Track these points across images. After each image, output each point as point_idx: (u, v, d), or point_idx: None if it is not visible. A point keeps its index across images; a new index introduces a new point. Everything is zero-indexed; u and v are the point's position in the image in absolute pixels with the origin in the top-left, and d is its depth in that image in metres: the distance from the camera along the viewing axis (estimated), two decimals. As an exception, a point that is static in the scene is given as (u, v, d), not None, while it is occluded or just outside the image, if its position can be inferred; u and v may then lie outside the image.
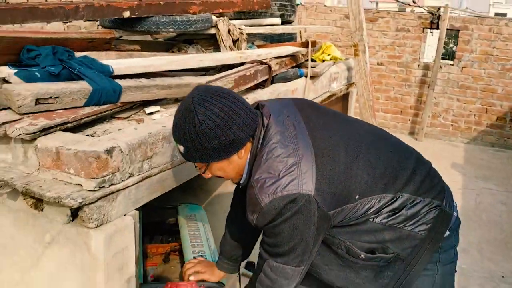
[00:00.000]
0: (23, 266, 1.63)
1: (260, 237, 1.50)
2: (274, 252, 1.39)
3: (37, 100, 1.55)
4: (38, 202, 1.50)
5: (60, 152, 1.42)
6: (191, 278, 1.83)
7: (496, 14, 27.56)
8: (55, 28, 2.88)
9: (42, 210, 1.51)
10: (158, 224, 2.50)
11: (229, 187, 3.08)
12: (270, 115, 1.42)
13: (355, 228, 1.45)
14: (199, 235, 2.19)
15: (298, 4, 5.76)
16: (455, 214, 1.56)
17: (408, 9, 7.08)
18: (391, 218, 1.44)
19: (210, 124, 1.30)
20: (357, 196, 1.38)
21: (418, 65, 6.61)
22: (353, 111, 4.32)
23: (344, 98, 4.28)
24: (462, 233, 3.72)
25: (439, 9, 6.09)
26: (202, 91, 1.37)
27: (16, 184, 1.43)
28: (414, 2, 6.47)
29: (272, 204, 1.30)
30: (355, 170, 1.39)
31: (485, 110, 6.44)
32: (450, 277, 1.62)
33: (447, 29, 6.20)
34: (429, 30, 6.57)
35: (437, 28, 6.26)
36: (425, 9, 6.31)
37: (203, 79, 2.07)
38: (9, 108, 1.64)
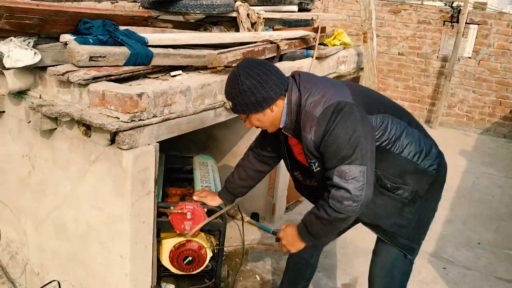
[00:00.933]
0: (73, 178, 2.23)
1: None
2: (338, 159, 1.71)
3: (90, 57, 2.13)
4: (88, 130, 2.08)
5: (105, 94, 2.00)
6: (195, 197, 2.39)
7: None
8: (104, 6, 3.47)
9: (90, 136, 2.10)
10: (177, 169, 3.08)
11: (241, 148, 3.63)
12: (297, 76, 1.90)
13: (384, 157, 1.84)
14: (208, 176, 2.76)
15: (324, -6, 6.18)
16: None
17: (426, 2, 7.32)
18: (408, 150, 1.87)
19: (249, 84, 1.79)
20: (382, 110, 1.86)
21: (437, 57, 6.93)
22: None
23: (355, 81, 4.73)
24: (451, 207, 4.20)
25: (452, 2, 6.38)
26: (246, 61, 1.88)
27: (74, 114, 2.02)
28: (432, -3, 6.77)
29: (324, 112, 1.74)
30: (375, 99, 1.94)
31: (499, 102, 6.72)
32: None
33: (466, 23, 6.49)
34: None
35: (457, 22, 6.57)
36: (444, 3, 6.61)
37: (216, 51, 2.60)
38: (67, 63, 2.23)
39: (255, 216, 3.70)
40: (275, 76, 1.84)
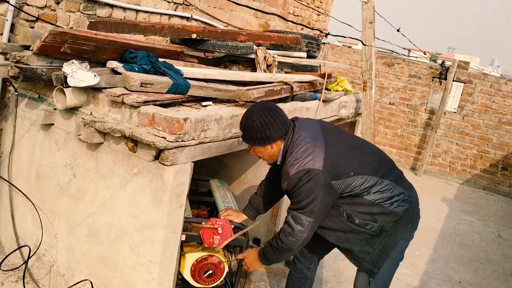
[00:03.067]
0: (114, 188, 2.51)
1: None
2: (296, 207, 2.23)
3: (141, 83, 2.46)
4: (135, 146, 2.38)
5: (155, 116, 2.31)
6: (221, 216, 2.68)
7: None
8: (137, 38, 3.83)
9: (135, 152, 2.39)
10: (194, 190, 3.37)
11: (248, 176, 3.94)
12: (297, 126, 2.33)
13: (353, 201, 2.30)
14: (226, 197, 3.06)
15: (325, 43, 6.68)
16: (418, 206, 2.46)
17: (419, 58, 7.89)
18: (377, 196, 2.29)
19: (257, 123, 2.27)
20: (352, 173, 2.26)
21: (425, 109, 7.44)
22: (358, 135, 5.16)
23: (351, 125, 5.13)
24: (435, 248, 4.55)
25: (443, 62, 6.95)
26: (260, 104, 2.36)
27: (125, 131, 2.32)
28: (424, 53, 7.35)
29: (296, 174, 2.17)
30: (351, 158, 2.30)
31: (480, 156, 7.20)
32: (402, 249, 2.48)
33: (453, 80, 7.04)
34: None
35: (445, 78, 7.11)
36: (434, 61, 7.17)
37: (244, 88, 2.95)
38: (116, 87, 2.54)
39: (256, 242, 3.97)
40: (280, 121, 2.30)
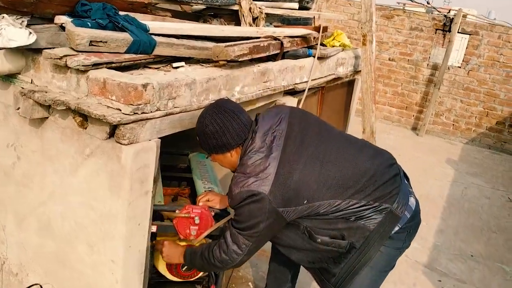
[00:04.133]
0: (63, 172, 2.04)
1: None
2: (236, 225, 1.89)
3: (91, 41, 1.95)
4: (84, 121, 1.90)
5: (107, 82, 1.82)
6: (201, 204, 2.23)
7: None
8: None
9: (86, 128, 1.92)
10: (172, 167, 2.91)
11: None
12: (257, 132, 1.92)
13: (315, 218, 1.89)
14: (208, 176, 2.60)
15: (319, -6, 6.09)
16: (406, 214, 1.96)
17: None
18: (341, 214, 1.86)
19: (211, 129, 1.90)
20: (305, 201, 1.83)
21: (427, 65, 6.92)
22: (357, 95, 4.68)
23: (350, 84, 4.63)
24: (442, 217, 4.14)
25: (449, 11, 6.38)
26: (216, 105, 1.96)
27: (70, 103, 1.83)
28: (428, 3, 6.77)
29: (239, 194, 1.81)
30: (306, 182, 1.83)
31: (486, 113, 6.75)
32: (391, 258, 2.02)
33: (458, 32, 6.49)
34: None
35: (449, 31, 6.56)
36: (438, 12, 6.60)
37: (223, 44, 2.44)
38: (63, 47, 2.04)
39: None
40: (237, 125, 1.92)
